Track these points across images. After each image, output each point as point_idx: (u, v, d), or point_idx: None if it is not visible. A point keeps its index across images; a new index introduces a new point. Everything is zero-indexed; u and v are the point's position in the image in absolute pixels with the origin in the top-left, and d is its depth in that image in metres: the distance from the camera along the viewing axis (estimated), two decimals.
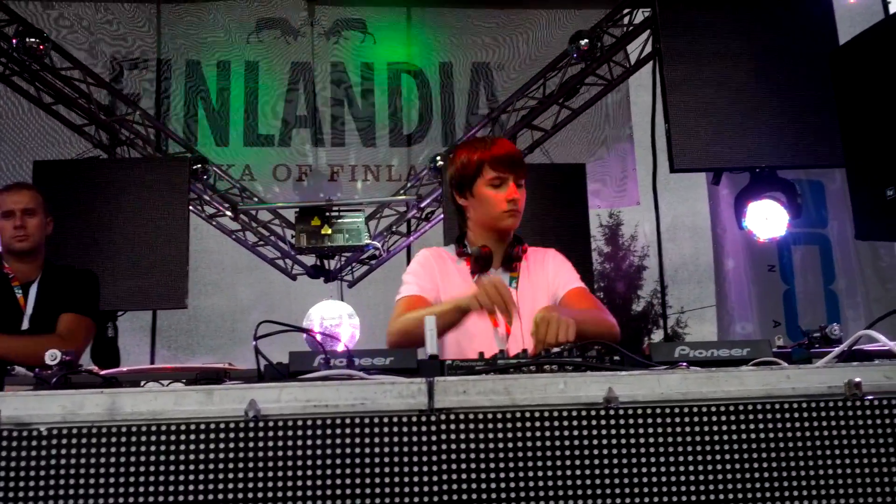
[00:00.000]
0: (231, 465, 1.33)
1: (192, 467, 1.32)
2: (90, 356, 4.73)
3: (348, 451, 1.36)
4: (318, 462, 1.34)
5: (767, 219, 4.53)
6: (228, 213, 6.54)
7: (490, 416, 1.39)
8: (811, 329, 2.02)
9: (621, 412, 1.41)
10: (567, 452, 1.38)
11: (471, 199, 2.73)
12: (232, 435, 1.34)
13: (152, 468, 1.32)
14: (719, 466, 1.40)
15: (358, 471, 1.35)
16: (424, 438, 1.37)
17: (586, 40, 6.02)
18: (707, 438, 1.41)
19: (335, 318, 6.39)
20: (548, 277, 2.79)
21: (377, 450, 1.36)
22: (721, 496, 1.38)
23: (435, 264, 2.76)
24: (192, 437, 1.33)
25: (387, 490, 1.35)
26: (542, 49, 6.95)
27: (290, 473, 1.33)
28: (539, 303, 2.66)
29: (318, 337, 1.91)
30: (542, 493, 1.36)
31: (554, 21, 7.04)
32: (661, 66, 4.44)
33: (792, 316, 6.10)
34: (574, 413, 1.40)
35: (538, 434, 1.39)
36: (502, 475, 1.37)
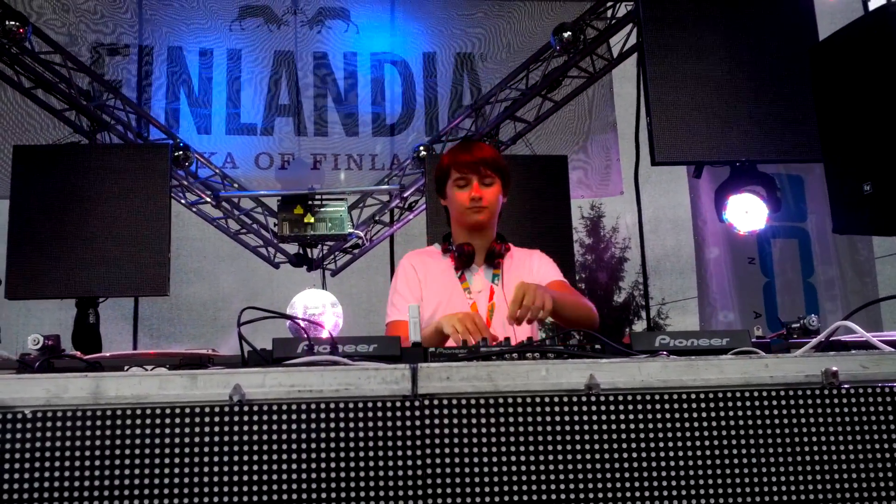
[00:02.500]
0: (216, 449, 1.34)
1: (176, 451, 1.33)
2: (71, 342, 4.71)
3: (332, 435, 1.37)
4: (303, 446, 1.35)
5: (747, 212, 4.56)
6: (210, 200, 6.51)
7: (473, 401, 1.40)
8: (790, 320, 2.05)
9: (602, 399, 1.43)
10: (549, 438, 1.40)
11: (445, 199, 2.93)
12: (217, 419, 1.35)
13: (137, 452, 1.32)
14: (698, 453, 1.42)
15: (342, 455, 1.36)
16: (408, 423, 1.38)
17: (569, 33, 6.03)
18: (686, 425, 1.43)
19: (318, 306, 6.38)
20: (532, 274, 2.87)
21: (361, 434, 1.37)
22: (700, 481, 1.41)
23: (416, 271, 2.87)
24: (177, 420, 1.34)
25: (370, 474, 1.36)
26: (525, 40, 6.94)
27: (274, 457, 1.34)
28: None
29: (302, 324, 1.92)
30: (523, 478, 1.38)
31: (538, 12, 7.03)
32: (644, 59, 4.46)
33: (772, 307, 6.16)
34: (556, 399, 1.42)
35: (520, 420, 1.40)
36: (485, 460, 1.38)
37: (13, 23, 5.45)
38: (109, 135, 6.12)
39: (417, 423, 1.38)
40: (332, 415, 1.37)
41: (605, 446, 1.41)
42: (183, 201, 6.50)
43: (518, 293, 2.32)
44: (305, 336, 1.65)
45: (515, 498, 1.37)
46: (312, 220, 6.26)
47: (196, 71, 6.82)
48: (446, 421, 1.39)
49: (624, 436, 1.41)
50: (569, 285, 2.91)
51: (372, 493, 1.35)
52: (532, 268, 2.91)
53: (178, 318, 7.61)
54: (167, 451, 1.33)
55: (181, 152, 6.20)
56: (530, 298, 2.30)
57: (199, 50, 6.85)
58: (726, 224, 4.69)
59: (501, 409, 1.41)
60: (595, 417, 1.42)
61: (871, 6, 5.46)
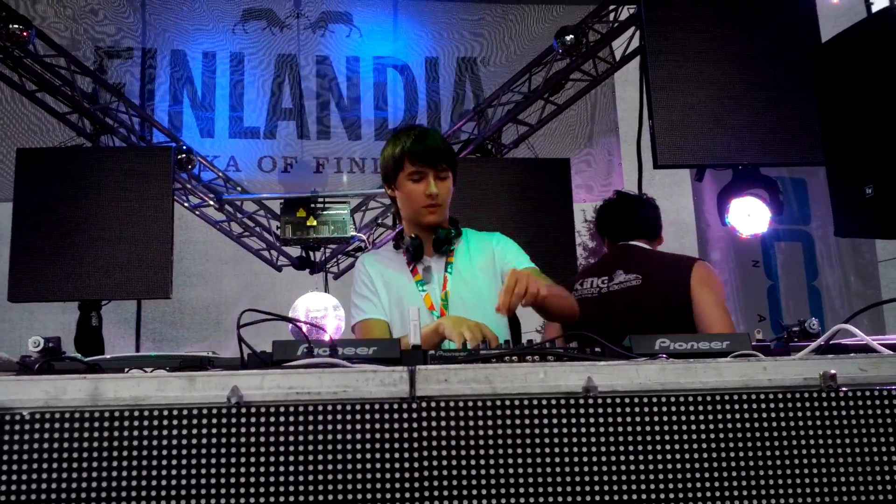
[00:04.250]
0: (213, 451, 1.34)
1: (174, 452, 1.33)
2: (74, 346, 4.72)
3: (330, 437, 1.37)
4: (301, 448, 1.36)
5: (750, 215, 4.55)
6: (213, 203, 6.53)
7: (471, 404, 1.40)
8: (790, 323, 2.05)
9: (600, 401, 1.43)
10: (546, 440, 1.40)
11: (396, 190, 2.77)
12: (214, 421, 1.35)
13: (135, 453, 1.33)
14: (696, 455, 1.42)
15: (339, 457, 1.36)
16: (406, 426, 1.39)
17: (571, 36, 6.03)
18: (684, 428, 1.43)
19: (321, 309, 6.39)
20: (492, 259, 2.79)
21: (359, 436, 1.37)
22: (698, 484, 1.40)
23: (373, 270, 2.78)
24: (175, 422, 1.34)
25: (368, 476, 1.36)
26: (527, 44, 6.95)
27: (272, 459, 1.35)
28: (478, 288, 2.68)
29: (304, 327, 1.92)
30: (521, 480, 1.38)
31: (540, 16, 7.03)
32: (646, 62, 4.46)
33: (776, 311, 6.15)
34: (553, 402, 1.42)
35: (518, 422, 1.40)
36: (482, 462, 1.38)
37: (16, 26, 5.47)
38: (112, 138, 6.13)
39: (415, 425, 1.39)
40: (330, 417, 1.38)
41: (604, 449, 1.41)
42: (186, 204, 6.52)
43: (510, 280, 2.21)
44: (306, 339, 1.65)
45: (513, 500, 1.37)
46: (315, 222, 6.28)
47: (199, 74, 6.83)
48: (444, 423, 1.39)
49: (622, 438, 1.41)
50: (542, 274, 2.72)
51: (369, 496, 1.35)
52: (491, 252, 2.80)
53: (180, 321, 7.64)
54: (165, 452, 1.33)
55: (184, 155, 6.22)
56: (523, 286, 2.19)
57: (201, 53, 6.86)
58: (729, 227, 4.69)
59: (499, 412, 1.41)
60: (593, 420, 1.42)
61: (874, 8, 5.46)
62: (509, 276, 2.24)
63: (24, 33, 5.51)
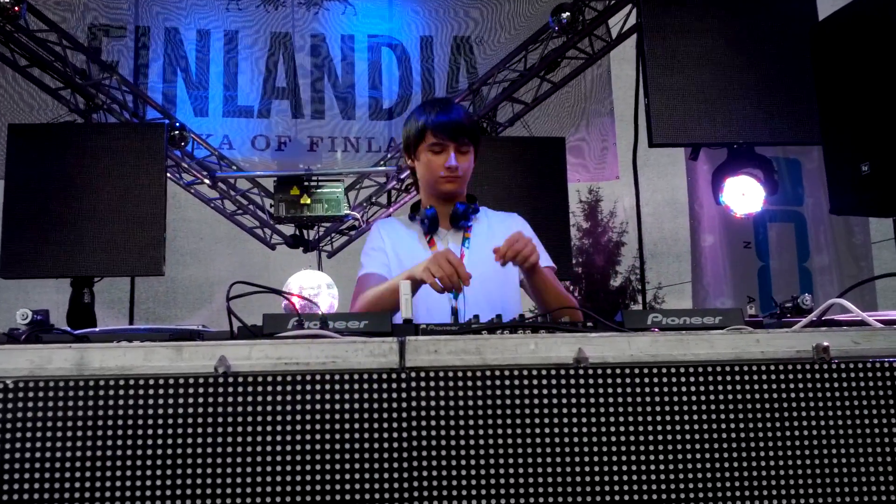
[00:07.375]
0: (200, 421, 1.33)
1: (160, 422, 1.32)
2: (66, 322, 4.70)
3: (319, 408, 1.36)
4: (289, 419, 1.35)
5: (744, 195, 4.53)
6: (206, 180, 6.49)
7: (461, 374, 1.40)
8: (784, 300, 2.04)
9: (591, 372, 1.42)
10: (536, 411, 1.39)
11: (416, 161, 2.77)
12: (201, 391, 1.34)
13: (121, 422, 1.32)
14: (687, 427, 1.41)
15: (328, 427, 1.35)
16: (395, 396, 1.38)
17: (567, 13, 5.99)
18: (676, 400, 1.42)
19: (314, 287, 6.38)
20: None
21: (348, 406, 1.36)
22: (688, 456, 1.40)
23: (386, 236, 2.77)
24: (161, 391, 1.33)
25: (356, 446, 1.35)
26: (523, 22, 6.89)
27: (259, 429, 1.34)
28: (494, 266, 2.67)
29: (298, 303, 1.90)
30: (511, 451, 1.37)
31: None
32: (643, 40, 4.43)
33: (766, 292, 6.15)
34: (544, 373, 1.41)
35: (508, 393, 1.40)
36: (471, 433, 1.37)
37: (6, 0, 5.41)
38: (105, 114, 6.08)
39: (404, 395, 1.38)
40: (319, 387, 1.36)
41: (594, 420, 1.40)
42: (179, 182, 6.48)
43: (512, 237, 2.31)
44: (297, 312, 1.63)
45: (503, 471, 1.36)
46: (309, 201, 6.25)
47: (193, 52, 6.77)
48: (433, 394, 1.38)
49: (613, 409, 1.41)
50: (555, 276, 2.73)
51: (358, 465, 1.34)
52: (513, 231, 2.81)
53: (174, 300, 7.62)
54: (152, 422, 1.32)
55: (177, 132, 6.17)
56: (522, 244, 2.29)
57: (195, 31, 6.80)
58: (723, 207, 4.67)
59: (489, 383, 1.40)
60: (584, 391, 1.41)
61: None
62: (516, 233, 2.32)
63: (16, 7, 5.45)
